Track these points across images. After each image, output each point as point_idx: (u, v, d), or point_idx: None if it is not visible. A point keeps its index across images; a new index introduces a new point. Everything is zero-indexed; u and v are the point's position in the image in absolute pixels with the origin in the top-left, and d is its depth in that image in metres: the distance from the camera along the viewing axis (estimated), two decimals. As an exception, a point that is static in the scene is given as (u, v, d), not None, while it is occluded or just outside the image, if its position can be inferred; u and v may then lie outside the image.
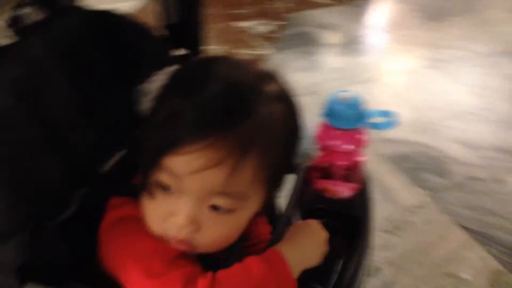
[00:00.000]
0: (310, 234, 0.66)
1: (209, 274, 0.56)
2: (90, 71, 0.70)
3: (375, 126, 0.74)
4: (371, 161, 0.81)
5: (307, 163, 0.77)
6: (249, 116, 0.56)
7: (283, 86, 0.62)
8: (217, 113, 0.55)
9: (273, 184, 0.62)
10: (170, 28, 0.83)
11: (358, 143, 0.74)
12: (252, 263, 0.58)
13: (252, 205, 0.61)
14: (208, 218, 0.59)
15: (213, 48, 2.37)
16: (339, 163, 0.75)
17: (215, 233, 0.60)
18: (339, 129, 0.72)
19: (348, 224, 0.75)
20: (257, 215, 0.64)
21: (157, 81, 0.62)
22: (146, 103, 0.62)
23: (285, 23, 2.69)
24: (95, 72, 0.70)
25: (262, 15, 2.71)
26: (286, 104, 0.61)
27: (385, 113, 0.73)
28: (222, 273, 0.56)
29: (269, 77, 0.61)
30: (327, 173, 0.76)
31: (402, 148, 1.80)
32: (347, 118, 0.71)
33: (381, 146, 1.76)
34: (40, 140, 0.59)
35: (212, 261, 0.61)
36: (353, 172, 0.77)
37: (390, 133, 1.81)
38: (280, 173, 0.63)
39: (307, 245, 0.64)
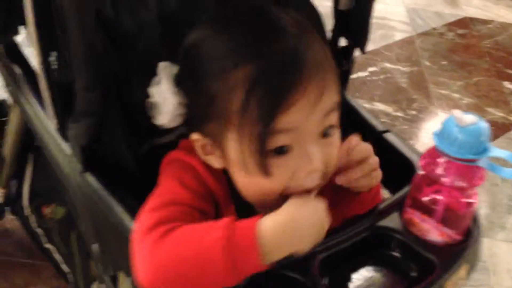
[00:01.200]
0: (306, 213, 0.56)
1: (175, 225, 0.55)
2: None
3: (494, 168, 0.59)
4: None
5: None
6: (307, 46, 0.58)
7: (292, 13, 0.61)
8: (290, 54, 0.56)
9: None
10: (338, 14, 0.82)
11: (470, 180, 0.60)
12: (219, 224, 0.54)
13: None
14: (325, 147, 0.60)
15: (458, 96, 2.20)
16: (439, 198, 0.62)
17: (334, 157, 0.62)
18: (449, 156, 0.60)
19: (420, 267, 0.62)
20: None
21: (160, 89, 0.61)
22: (161, 118, 0.62)
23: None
24: None
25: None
26: (305, 23, 0.61)
27: (511, 158, 0.57)
28: (184, 228, 0.55)
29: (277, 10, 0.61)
30: (424, 205, 0.64)
31: None
32: (458, 143, 0.58)
33: None
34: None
35: None
36: (456, 217, 0.63)
37: None
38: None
39: (299, 226, 0.55)
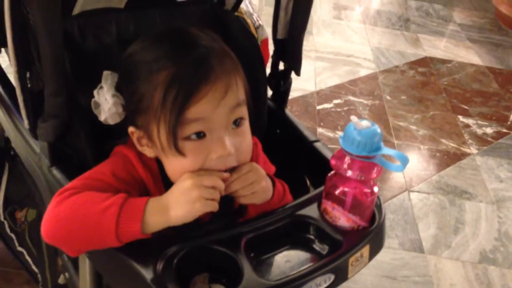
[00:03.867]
0: (177, 183, 0.70)
1: (81, 190, 0.69)
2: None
3: (385, 164, 0.72)
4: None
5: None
6: (218, 54, 0.73)
7: (206, 31, 0.76)
8: (202, 60, 0.71)
9: (247, 95, 0.77)
10: (276, 42, 0.97)
11: (370, 174, 0.74)
12: (117, 195, 0.68)
13: (247, 111, 0.77)
14: (236, 136, 0.74)
15: (415, 128, 2.36)
16: (344, 188, 0.75)
17: (245, 144, 0.76)
18: (351, 155, 0.73)
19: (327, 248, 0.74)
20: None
21: (103, 92, 0.75)
22: (102, 115, 0.76)
23: (509, 132, 2.49)
24: None
25: (488, 117, 2.56)
26: (220, 41, 0.77)
27: (400, 156, 0.71)
28: (87, 193, 0.69)
29: (196, 29, 0.75)
30: (336, 197, 0.77)
31: None
32: (356, 143, 0.72)
33: None
34: None
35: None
36: (361, 205, 0.76)
37: None
38: (247, 85, 0.77)
39: (171, 194, 0.69)
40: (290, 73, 0.97)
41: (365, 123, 0.72)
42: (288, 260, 0.72)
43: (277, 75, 0.97)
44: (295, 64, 0.95)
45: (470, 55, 3.16)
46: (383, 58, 2.94)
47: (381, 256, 1.66)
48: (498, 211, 1.96)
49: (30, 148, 0.81)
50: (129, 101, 0.74)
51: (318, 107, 2.37)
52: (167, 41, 0.74)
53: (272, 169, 0.88)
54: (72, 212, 0.68)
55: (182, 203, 0.68)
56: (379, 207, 0.80)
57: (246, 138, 0.76)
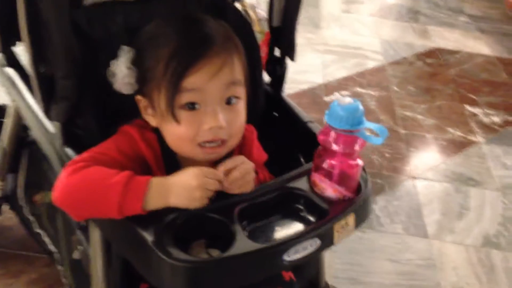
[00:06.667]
0: (184, 177, 0.76)
1: (92, 164, 0.76)
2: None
3: (366, 136, 0.78)
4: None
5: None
6: (220, 33, 0.82)
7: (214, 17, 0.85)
8: (203, 37, 0.79)
9: (246, 78, 0.85)
10: (272, 30, 1.03)
11: (354, 147, 0.80)
12: (124, 173, 0.75)
13: (244, 94, 0.84)
14: (229, 112, 0.81)
15: (421, 117, 2.40)
16: (331, 161, 0.81)
17: (237, 122, 0.83)
18: (336, 129, 0.79)
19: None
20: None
21: (119, 63, 0.83)
22: (117, 84, 0.84)
23: (516, 120, 2.52)
24: None
25: (496, 106, 2.58)
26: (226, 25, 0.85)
27: (380, 129, 0.77)
28: (97, 168, 0.76)
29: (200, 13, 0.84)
30: (324, 169, 0.83)
31: None
32: (340, 118, 0.78)
33: None
34: None
35: None
36: (347, 177, 0.82)
37: None
38: (246, 68, 0.85)
39: (174, 185, 0.76)
40: (285, 59, 1.03)
41: (347, 100, 0.78)
42: (278, 228, 0.79)
43: (273, 61, 1.04)
44: (289, 51, 1.01)
45: (480, 46, 3.18)
46: (391, 50, 2.97)
47: (385, 240, 1.73)
48: (503, 197, 1.99)
49: (45, 129, 0.89)
50: (139, 72, 0.83)
51: (326, 99, 2.42)
52: (175, 21, 0.82)
53: (264, 156, 0.95)
54: (82, 185, 0.76)
55: (183, 197, 0.75)
56: (365, 180, 0.86)
57: (239, 116, 0.84)
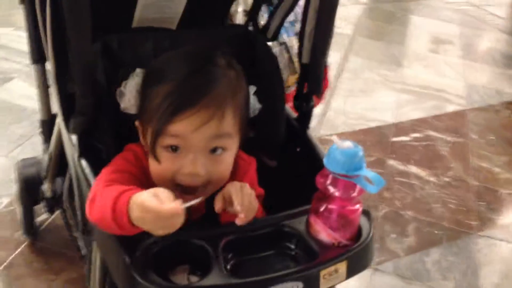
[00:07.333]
0: (141, 209, 0.71)
1: (110, 184, 0.78)
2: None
3: (362, 183, 0.75)
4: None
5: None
6: (218, 83, 0.81)
7: (229, 58, 0.84)
8: (198, 86, 0.79)
9: (242, 127, 0.85)
10: (302, 66, 1.03)
11: (349, 191, 0.77)
12: (118, 189, 0.75)
13: (235, 144, 0.85)
14: (211, 161, 0.81)
15: (498, 170, 2.24)
16: (328, 205, 0.79)
17: (219, 171, 0.83)
18: (333, 173, 0.77)
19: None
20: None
21: (129, 85, 0.86)
22: (124, 103, 0.87)
23: None
24: None
25: None
26: (234, 70, 0.85)
27: (376, 178, 0.73)
28: (110, 188, 0.77)
29: (219, 54, 0.83)
30: (321, 213, 0.81)
31: None
32: (337, 162, 0.75)
33: None
34: None
35: None
36: (345, 224, 0.79)
37: None
38: (245, 117, 0.86)
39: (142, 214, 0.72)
40: (311, 96, 1.02)
41: (346, 144, 0.76)
42: (263, 265, 0.77)
43: (301, 97, 1.03)
44: (315, 87, 1.00)
45: None
46: (476, 96, 2.82)
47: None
48: None
49: (70, 141, 0.96)
50: (141, 99, 0.86)
51: (394, 139, 2.34)
52: (184, 59, 0.84)
53: (258, 191, 0.92)
54: (98, 205, 0.78)
55: (142, 224, 0.72)
56: (368, 227, 0.82)
57: (222, 166, 0.84)
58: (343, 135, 2.28)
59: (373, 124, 2.40)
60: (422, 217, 1.91)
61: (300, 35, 0.99)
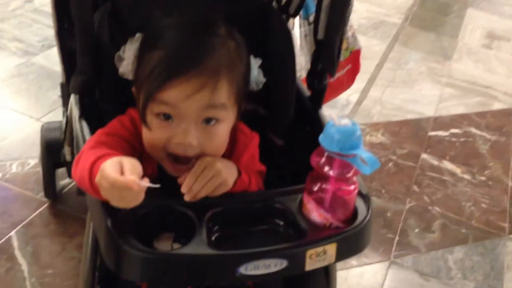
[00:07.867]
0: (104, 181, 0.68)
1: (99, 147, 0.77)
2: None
3: (356, 163, 0.71)
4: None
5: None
6: (214, 53, 0.78)
7: (230, 29, 0.80)
8: (192, 54, 0.76)
9: (239, 99, 0.82)
10: (317, 43, 0.99)
11: (344, 172, 0.73)
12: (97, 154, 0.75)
13: (231, 116, 0.82)
14: (204, 132, 0.79)
15: None
16: (322, 185, 0.75)
17: (213, 143, 0.80)
18: (329, 152, 0.73)
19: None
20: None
21: (127, 49, 0.85)
22: (122, 68, 0.86)
23: None
24: None
25: None
26: (235, 40, 0.82)
27: (370, 159, 0.69)
28: (94, 151, 0.76)
29: (220, 23, 0.80)
30: (315, 192, 0.77)
31: None
32: (332, 139, 0.71)
33: None
34: None
35: None
36: (339, 205, 0.76)
37: None
38: (242, 90, 0.83)
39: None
40: (325, 74, 0.98)
41: (344, 121, 0.72)
42: (249, 240, 0.75)
43: (313, 75, 0.99)
44: (329, 65, 0.96)
45: None
46: (525, 95, 2.67)
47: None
48: None
49: (74, 102, 0.96)
50: (136, 66, 0.84)
51: (431, 133, 2.25)
52: (183, 26, 0.82)
53: (258, 166, 0.91)
54: (79, 167, 0.78)
55: (102, 191, 0.69)
56: (366, 212, 0.78)
57: (215, 137, 0.81)
58: (377, 125, 2.21)
59: (410, 116, 2.31)
60: (450, 214, 1.83)
61: (317, 10, 0.95)
